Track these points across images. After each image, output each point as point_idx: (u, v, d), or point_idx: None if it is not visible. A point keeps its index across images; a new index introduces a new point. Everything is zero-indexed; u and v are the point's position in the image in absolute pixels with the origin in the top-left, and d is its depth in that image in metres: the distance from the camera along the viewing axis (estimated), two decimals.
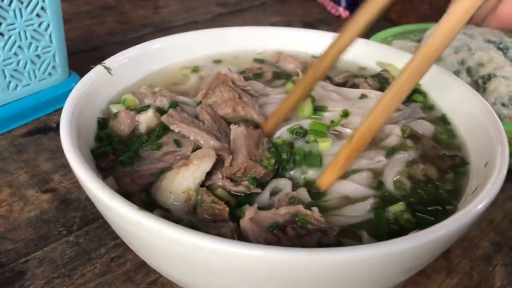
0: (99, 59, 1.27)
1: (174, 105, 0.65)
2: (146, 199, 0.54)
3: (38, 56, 0.98)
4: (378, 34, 1.09)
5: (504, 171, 0.52)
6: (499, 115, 0.84)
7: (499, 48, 1.00)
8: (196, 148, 0.59)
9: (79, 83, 0.65)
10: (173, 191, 0.53)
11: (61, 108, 1.04)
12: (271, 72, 0.82)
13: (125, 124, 0.62)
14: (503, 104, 0.86)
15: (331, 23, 1.61)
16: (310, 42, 0.90)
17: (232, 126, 0.60)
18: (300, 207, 0.51)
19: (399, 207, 0.56)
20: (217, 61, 0.86)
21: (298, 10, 1.70)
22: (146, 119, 0.63)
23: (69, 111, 0.57)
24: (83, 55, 1.30)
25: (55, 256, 0.70)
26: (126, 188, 0.55)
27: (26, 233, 0.74)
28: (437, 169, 0.63)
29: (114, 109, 0.66)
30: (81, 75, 1.11)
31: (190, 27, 1.52)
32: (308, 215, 0.50)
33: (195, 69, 0.83)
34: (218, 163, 0.56)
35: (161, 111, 0.66)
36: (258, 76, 0.80)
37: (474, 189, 0.55)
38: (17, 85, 0.97)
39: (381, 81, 0.79)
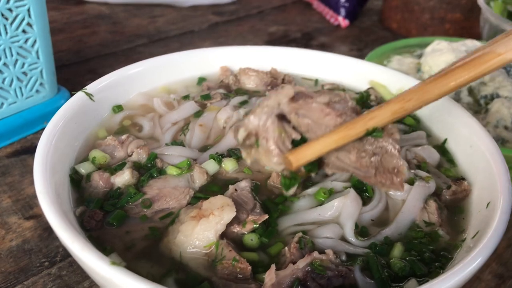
0: (90, 72, 1.25)
1: (153, 157, 0.60)
2: (152, 269, 0.50)
3: (24, 73, 0.95)
4: (377, 49, 1.06)
5: (505, 217, 0.48)
6: (501, 139, 0.81)
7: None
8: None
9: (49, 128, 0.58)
10: (192, 245, 0.50)
11: None
12: (219, 93, 0.77)
13: (100, 187, 0.56)
14: (506, 127, 0.82)
15: (330, 32, 1.57)
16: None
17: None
18: (315, 254, 0.48)
19: (398, 251, 0.53)
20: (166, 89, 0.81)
21: (296, 19, 1.66)
22: (122, 182, 0.57)
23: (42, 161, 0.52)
24: (73, 68, 1.26)
25: None
26: (121, 255, 0.50)
27: (6, 264, 0.70)
28: (437, 205, 0.59)
29: (83, 170, 0.59)
30: (71, 90, 1.09)
31: (186, 36, 1.49)
32: (324, 259, 0.49)
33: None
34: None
35: (138, 167, 0.60)
36: (206, 97, 0.76)
37: (475, 232, 0.51)
38: (2, 104, 0.94)
39: (363, 98, 0.75)
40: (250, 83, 0.81)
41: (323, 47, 1.47)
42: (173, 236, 0.51)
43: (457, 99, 0.90)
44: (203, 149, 0.65)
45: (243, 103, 0.74)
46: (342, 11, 1.59)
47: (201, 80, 0.83)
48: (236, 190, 0.55)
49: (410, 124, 0.73)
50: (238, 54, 0.85)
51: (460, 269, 0.43)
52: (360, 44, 1.49)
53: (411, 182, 0.61)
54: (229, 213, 0.50)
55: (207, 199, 0.52)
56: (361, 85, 0.80)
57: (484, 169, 0.59)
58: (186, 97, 0.77)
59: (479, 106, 0.89)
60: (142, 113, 0.74)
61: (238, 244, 0.52)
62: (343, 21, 1.59)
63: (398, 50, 1.07)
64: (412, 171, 0.64)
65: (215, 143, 0.66)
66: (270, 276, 0.47)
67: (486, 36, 1.24)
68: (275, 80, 0.81)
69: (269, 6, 1.75)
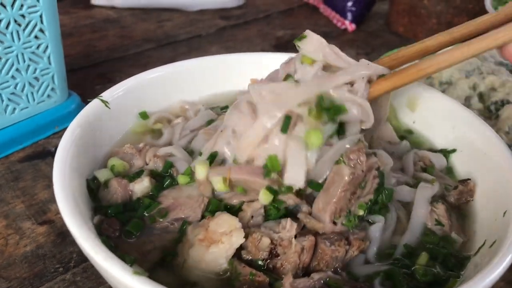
0: (99, 77, 1.26)
1: (168, 165, 0.61)
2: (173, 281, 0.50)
3: (36, 78, 0.96)
4: (387, 54, 1.06)
5: None
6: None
7: (511, 71, 0.96)
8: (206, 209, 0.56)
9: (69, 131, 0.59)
10: (203, 270, 0.50)
11: (61, 131, 1.02)
12: None
13: (118, 194, 0.57)
14: None
15: (337, 36, 1.58)
16: None
17: None
18: (329, 273, 0.49)
19: (423, 259, 0.53)
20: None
21: (304, 23, 1.66)
22: (141, 189, 0.58)
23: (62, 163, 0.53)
24: (83, 72, 1.27)
25: None
26: (139, 265, 0.50)
27: (21, 270, 0.71)
28: (446, 207, 0.59)
29: (102, 177, 0.59)
30: (81, 94, 1.10)
31: (194, 41, 1.50)
32: (339, 280, 0.49)
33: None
34: None
35: (155, 174, 0.61)
36: (225, 108, 0.76)
37: (493, 241, 0.51)
38: (14, 109, 0.94)
39: None
40: None
41: None
42: (182, 258, 0.51)
43: (468, 105, 0.90)
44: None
45: None
46: (349, 15, 1.59)
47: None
48: (252, 217, 0.55)
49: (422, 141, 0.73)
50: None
51: (479, 280, 0.43)
52: (367, 48, 1.50)
53: (414, 186, 0.61)
54: (239, 239, 0.50)
55: (214, 217, 0.53)
56: None
57: (498, 176, 0.59)
58: (224, 108, 0.78)
59: (489, 112, 0.90)
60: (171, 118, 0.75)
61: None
62: (349, 25, 1.60)
63: None
64: (417, 173, 0.65)
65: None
66: (289, 279, 0.47)
67: None
68: None
69: (276, 10, 1.75)
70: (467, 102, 0.90)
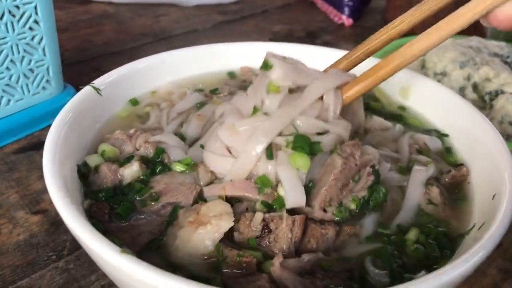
0: (95, 71, 1.26)
1: (160, 151, 0.61)
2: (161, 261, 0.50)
3: (31, 70, 0.96)
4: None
5: (510, 210, 0.48)
6: (506, 135, 0.81)
7: (506, 62, 0.96)
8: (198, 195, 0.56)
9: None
10: (189, 252, 0.50)
11: None
12: (228, 88, 0.77)
13: (108, 179, 0.57)
14: (511, 123, 0.82)
15: (334, 31, 1.58)
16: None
17: None
18: (320, 255, 0.49)
19: (413, 234, 0.54)
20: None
21: (301, 18, 1.67)
22: (131, 174, 0.57)
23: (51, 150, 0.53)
24: (79, 67, 1.27)
25: (43, 284, 0.67)
26: (128, 247, 0.50)
27: (14, 258, 0.71)
28: (440, 190, 0.59)
29: (92, 162, 0.59)
30: (77, 87, 1.09)
31: (190, 35, 1.50)
32: (330, 261, 0.49)
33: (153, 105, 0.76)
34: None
35: (146, 160, 0.60)
36: (213, 91, 0.76)
37: (481, 223, 0.51)
38: (9, 100, 0.94)
39: None
40: None
41: (327, 45, 1.46)
42: (171, 239, 0.51)
43: (462, 95, 0.90)
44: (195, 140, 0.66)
45: None
46: (346, 10, 1.60)
47: (231, 75, 0.83)
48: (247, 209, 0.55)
49: (416, 125, 0.73)
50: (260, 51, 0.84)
51: (463, 261, 0.43)
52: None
53: (409, 169, 0.61)
54: (227, 223, 0.50)
55: (207, 202, 0.53)
56: None
57: (489, 161, 0.59)
58: (214, 91, 0.78)
59: (483, 102, 0.90)
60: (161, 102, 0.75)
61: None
62: (347, 20, 1.60)
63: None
64: (413, 155, 0.65)
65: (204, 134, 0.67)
66: (278, 258, 0.47)
67: (490, 34, 1.25)
68: None
69: (273, 6, 1.75)
70: (461, 92, 0.91)
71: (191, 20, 1.59)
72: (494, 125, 0.81)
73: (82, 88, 0.69)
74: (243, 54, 0.83)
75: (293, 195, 0.55)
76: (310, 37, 1.52)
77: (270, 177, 0.57)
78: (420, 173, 0.61)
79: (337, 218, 0.55)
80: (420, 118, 0.73)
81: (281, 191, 0.56)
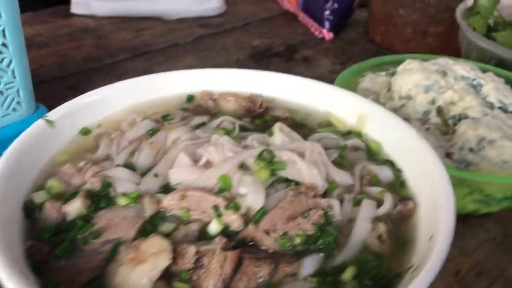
0: (71, 88, 1.27)
1: (106, 185, 0.61)
2: None
3: (0, 92, 0.96)
4: (352, 66, 1.06)
5: (441, 257, 0.49)
6: (465, 162, 0.81)
7: (472, 86, 0.96)
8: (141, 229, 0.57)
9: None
10: None
11: None
12: (181, 113, 0.78)
13: (51, 217, 0.57)
14: (471, 149, 0.83)
15: (314, 45, 1.58)
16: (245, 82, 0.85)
17: None
18: None
19: (349, 273, 0.54)
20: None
21: (282, 31, 1.67)
22: (74, 210, 0.58)
23: None
24: (56, 83, 1.28)
25: None
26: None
27: None
28: (387, 227, 0.60)
29: (38, 199, 0.59)
30: (50, 106, 1.09)
31: (171, 50, 1.50)
32: None
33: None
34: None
35: (92, 195, 0.60)
36: (165, 117, 0.76)
37: (417, 265, 0.52)
38: None
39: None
40: (228, 108, 0.82)
41: (306, 60, 1.48)
42: (111, 277, 0.51)
43: (426, 119, 0.91)
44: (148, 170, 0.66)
45: (201, 125, 0.75)
46: (326, 24, 1.60)
47: (190, 99, 0.84)
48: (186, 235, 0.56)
49: (375, 150, 0.73)
50: (219, 77, 0.85)
51: None
52: (343, 57, 1.50)
53: (358, 202, 0.62)
54: (164, 260, 0.51)
55: (148, 238, 0.53)
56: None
57: (432, 198, 0.59)
58: (165, 117, 0.78)
59: (447, 127, 0.90)
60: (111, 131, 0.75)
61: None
62: (327, 34, 1.60)
63: (373, 68, 1.07)
64: (365, 187, 0.65)
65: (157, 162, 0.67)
66: None
67: (464, 51, 1.25)
68: (253, 106, 0.82)
69: (256, 18, 1.76)
70: (425, 116, 0.91)
71: (172, 34, 1.60)
72: (455, 151, 0.81)
73: (55, 108, 0.70)
74: (202, 80, 0.83)
75: (252, 196, 0.58)
76: (290, 52, 1.53)
77: (233, 181, 0.60)
78: (369, 207, 0.61)
79: (278, 246, 0.55)
80: (376, 148, 0.74)
81: (239, 198, 0.59)
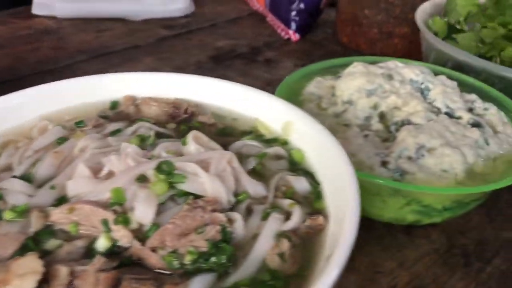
0: None
1: None
2: None
3: None
4: (301, 69, 1.02)
5: (329, 281, 0.44)
6: (401, 171, 0.77)
7: (420, 90, 0.92)
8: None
9: None
10: None
11: None
12: (96, 120, 0.74)
13: None
14: (409, 158, 0.78)
15: (279, 47, 1.54)
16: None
17: None
18: None
19: None
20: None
21: (248, 32, 1.63)
22: None
23: None
24: (7, 87, 1.23)
25: None
26: None
27: None
28: (292, 243, 0.56)
29: None
30: None
31: (130, 51, 1.46)
32: None
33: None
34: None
35: None
36: (78, 124, 0.72)
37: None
38: None
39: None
40: (150, 114, 0.77)
41: (268, 62, 1.44)
42: None
43: (367, 125, 0.86)
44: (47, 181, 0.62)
45: (116, 132, 0.71)
46: (293, 24, 1.56)
47: (114, 105, 0.80)
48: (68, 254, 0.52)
49: (298, 159, 0.69)
50: (146, 81, 0.81)
51: None
52: (307, 59, 1.46)
53: (267, 215, 0.58)
54: (30, 284, 0.46)
55: (20, 258, 0.49)
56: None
57: (339, 215, 0.55)
58: (79, 123, 0.74)
59: (389, 133, 0.86)
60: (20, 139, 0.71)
61: None
62: (293, 35, 1.56)
63: (324, 71, 1.03)
64: (278, 199, 0.61)
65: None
66: None
67: (424, 53, 1.21)
68: (178, 111, 0.78)
69: (223, 19, 1.72)
70: (367, 122, 0.87)
71: (134, 35, 1.56)
72: (390, 160, 0.77)
73: None
74: (129, 84, 0.79)
75: (142, 210, 0.54)
76: (253, 53, 1.49)
77: (128, 194, 0.56)
78: (275, 222, 0.57)
79: (164, 264, 0.51)
80: (299, 157, 0.70)
81: (131, 212, 0.55)
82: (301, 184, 0.64)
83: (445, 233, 0.87)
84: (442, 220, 0.84)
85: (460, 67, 1.05)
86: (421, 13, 1.21)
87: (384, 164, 0.78)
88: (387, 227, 0.85)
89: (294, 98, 0.96)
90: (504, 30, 1.08)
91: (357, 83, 0.88)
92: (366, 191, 0.75)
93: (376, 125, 0.86)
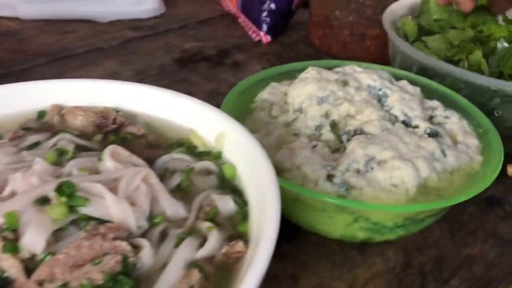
0: None
1: None
2: None
3: None
4: (257, 74, 0.97)
5: None
6: (346, 185, 0.71)
7: (378, 96, 0.86)
8: None
9: None
10: None
11: None
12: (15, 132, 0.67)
13: None
14: (358, 171, 0.73)
15: (249, 49, 1.48)
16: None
17: None
18: None
19: None
20: None
21: (219, 34, 1.57)
22: None
23: None
24: None
25: None
26: None
27: None
28: (204, 274, 0.50)
29: None
30: None
31: (92, 54, 1.41)
32: None
33: None
34: None
35: None
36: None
37: None
38: None
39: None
40: (76, 124, 0.72)
41: (236, 65, 1.38)
42: None
43: (318, 135, 0.81)
44: None
45: (34, 145, 0.65)
46: (264, 26, 1.50)
47: (41, 114, 0.74)
48: None
49: (228, 175, 0.64)
50: (75, 89, 0.76)
51: None
52: (277, 62, 1.40)
53: (181, 241, 0.52)
54: None
55: None
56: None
57: (255, 241, 0.49)
58: None
59: (340, 143, 0.80)
60: None
61: None
62: (264, 37, 1.50)
63: (281, 76, 0.98)
64: (199, 221, 0.56)
65: None
66: None
67: (391, 56, 1.15)
68: (105, 121, 0.72)
69: (195, 20, 1.66)
70: (318, 132, 0.81)
71: (99, 37, 1.50)
72: (337, 173, 0.72)
73: None
74: (56, 92, 0.74)
75: (32, 236, 0.49)
76: (221, 56, 1.43)
77: (23, 218, 0.50)
78: (188, 248, 0.52)
79: None
80: (231, 173, 0.64)
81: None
82: (226, 204, 0.58)
83: (401, 250, 0.81)
84: (396, 238, 0.78)
85: (425, 71, 0.99)
86: (389, 14, 1.15)
87: (330, 177, 0.72)
88: (339, 244, 0.80)
89: (246, 105, 0.90)
90: (472, 32, 1.03)
91: (308, 90, 0.83)
92: (312, 207, 0.70)
93: (327, 134, 0.80)
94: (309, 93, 0.82)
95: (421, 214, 0.71)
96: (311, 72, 0.87)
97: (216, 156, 0.66)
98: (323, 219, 0.73)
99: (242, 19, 1.61)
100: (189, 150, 0.67)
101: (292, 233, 0.81)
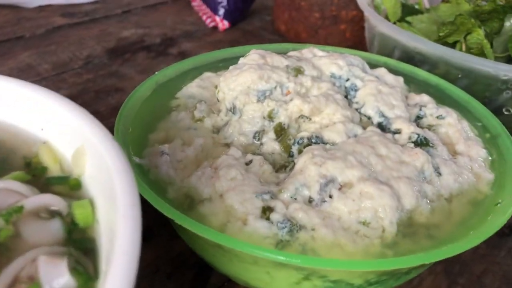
0: None
1: None
2: None
3: None
4: (185, 60, 0.72)
5: None
6: (290, 224, 0.47)
7: (344, 89, 0.62)
8: None
9: None
10: None
11: None
12: None
13: None
14: (310, 200, 0.48)
15: (201, 37, 1.24)
16: None
17: None
18: None
19: None
20: None
21: (168, 20, 1.32)
22: None
23: None
24: None
25: None
26: None
27: None
28: None
29: None
30: None
31: (8, 44, 1.15)
32: None
33: None
34: None
35: None
36: None
37: None
38: None
39: None
40: None
41: (182, 55, 1.13)
42: None
43: (258, 145, 0.56)
44: None
45: None
46: (220, 10, 1.25)
47: None
48: None
49: (81, 220, 0.39)
50: None
51: None
52: None
53: None
54: None
55: None
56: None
57: None
58: None
59: (289, 157, 0.55)
60: None
61: None
62: (221, 23, 1.26)
63: (219, 63, 0.73)
64: None
65: None
66: None
67: (367, 39, 0.91)
68: None
69: (141, 5, 1.41)
70: (256, 140, 0.56)
71: (21, 24, 1.25)
72: (277, 206, 0.47)
73: None
74: None
75: None
76: (166, 45, 1.18)
77: None
78: None
79: None
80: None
81: None
82: (56, 276, 0.33)
83: None
84: None
85: (410, 57, 0.75)
86: None
87: (267, 211, 0.48)
88: None
89: (164, 103, 0.65)
90: (470, 6, 0.79)
91: (244, 81, 0.58)
92: (240, 259, 0.46)
93: (269, 144, 0.55)
94: (246, 85, 0.58)
95: (404, 268, 0.47)
96: (253, 56, 0.62)
97: (73, 186, 0.41)
98: (258, 275, 0.48)
99: (197, 2, 1.36)
100: (34, 173, 0.42)
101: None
